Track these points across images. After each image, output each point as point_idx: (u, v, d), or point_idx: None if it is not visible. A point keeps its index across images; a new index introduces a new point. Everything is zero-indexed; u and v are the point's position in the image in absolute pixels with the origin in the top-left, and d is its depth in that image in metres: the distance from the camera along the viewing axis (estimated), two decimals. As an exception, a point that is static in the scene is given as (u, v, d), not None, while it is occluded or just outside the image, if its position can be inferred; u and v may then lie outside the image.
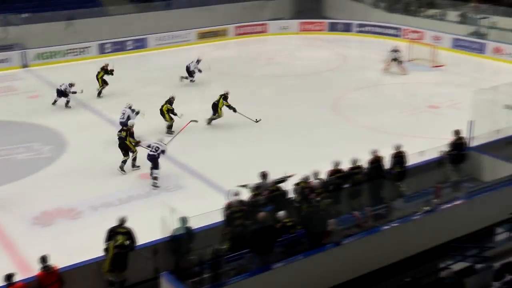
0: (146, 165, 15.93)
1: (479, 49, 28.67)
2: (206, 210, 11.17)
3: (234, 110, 19.58)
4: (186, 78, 24.32)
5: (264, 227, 10.39)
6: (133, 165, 16.62)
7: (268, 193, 12.16)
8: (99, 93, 23.48)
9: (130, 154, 16.52)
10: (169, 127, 19.27)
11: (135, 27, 32.13)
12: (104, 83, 23.51)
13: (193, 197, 14.68)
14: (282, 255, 10.59)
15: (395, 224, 11.80)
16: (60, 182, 15.88)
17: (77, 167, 16.82)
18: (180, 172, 16.38)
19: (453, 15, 32.61)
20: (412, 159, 13.86)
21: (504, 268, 9.83)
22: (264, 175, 12.74)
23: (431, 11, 34.04)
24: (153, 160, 15.61)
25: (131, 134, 16.63)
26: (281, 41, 33.16)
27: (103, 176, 16.15)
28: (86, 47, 30.09)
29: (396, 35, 32.56)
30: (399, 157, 13.67)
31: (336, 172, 12.88)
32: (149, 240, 11.12)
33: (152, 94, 23.19)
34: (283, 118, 20.61)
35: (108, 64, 23.87)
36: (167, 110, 19.23)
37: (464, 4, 33.41)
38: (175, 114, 19.13)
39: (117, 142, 16.61)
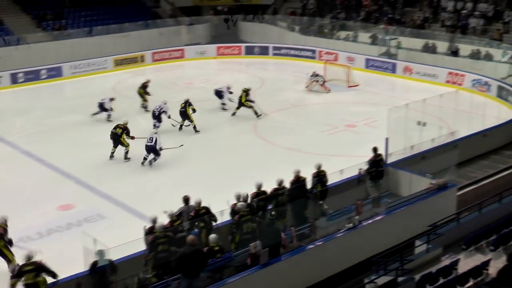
0: (136, 158, 17.95)
1: (391, 69, 29.77)
2: (129, 239, 10.94)
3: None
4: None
5: (192, 251, 10.27)
6: (125, 157, 18.65)
7: (193, 215, 12.08)
8: (145, 107, 24.10)
9: (123, 148, 18.51)
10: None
11: (49, 56, 31.32)
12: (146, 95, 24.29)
13: (115, 226, 14.36)
14: (208, 280, 10.49)
15: (319, 243, 11.95)
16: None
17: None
18: (101, 201, 16.00)
19: (365, 36, 33.74)
20: (332, 178, 14.12)
21: (424, 279, 10.12)
22: (186, 200, 12.67)
23: (344, 33, 35.09)
24: (152, 150, 17.86)
25: (127, 132, 18.55)
26: (199, 66, 33.21)
27: (20, 210, 15.51)
28: (-2, 77, 29.06)
29: (311, 57, 33.32)
30: (320, 176, 13.90)
31: (259, 195, 12.94)
32: (72, 274, 10.76)
33: (69, 123, 22.66)
34: (204, 142, 20.57)
35: (148, 80, 24.65)
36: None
37: (374, 26, 34.68)
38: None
39: (111, 135, 18.57)
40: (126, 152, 18.66)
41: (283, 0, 43.29)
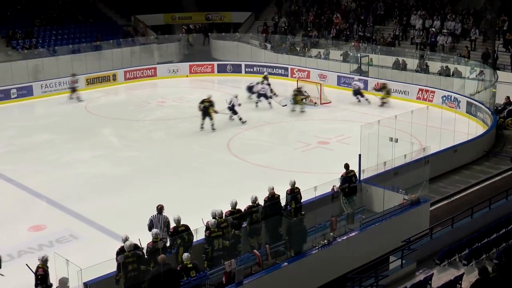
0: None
1: (363, 87, 30.00)
2: (103, 259, 10.81)
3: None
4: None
5: (164, 271, 10.17)
6: (212, 128, 23.12)
7: (173, 232, 12.01)
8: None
9: (209, 120, 22.94)
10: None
11: (19, 75, 30.97)
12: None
13: (89, 247, 14.17)
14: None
15: (294, 261, 11.94)
16: None
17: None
18: (74, 220, 15.77)
19: (336, 54, 34.09)
20: (306, 195, 14.15)
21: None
22: (160, 209, 12.70)
23: (315, 51, 35.43)
24: (231, 109, 23.83)
25: (212, 104, 22.90)
26: (171, 84, 33.15)
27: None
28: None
29: (284, 75, 33.54)
30: (294, 193, 13.92)
31: (233, 213, 12.90)
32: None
33: (39, 143, 22.46)
34: (177, 160, 20.50)
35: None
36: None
37: (345, 43, 35.09)
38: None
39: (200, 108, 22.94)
40: (212, 124, 23.02)
41: (255, 18, 43.65)
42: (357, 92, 27.70)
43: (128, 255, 11.02)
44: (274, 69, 34.13)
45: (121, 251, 11.17)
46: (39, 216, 16.08)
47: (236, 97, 24.66)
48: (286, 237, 12.75)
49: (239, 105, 24.77)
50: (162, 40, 39.03)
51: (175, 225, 12.27)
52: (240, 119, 24.38)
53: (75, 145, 22.21)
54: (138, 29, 40.90)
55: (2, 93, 29.38)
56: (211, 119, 23.30)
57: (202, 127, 23.34)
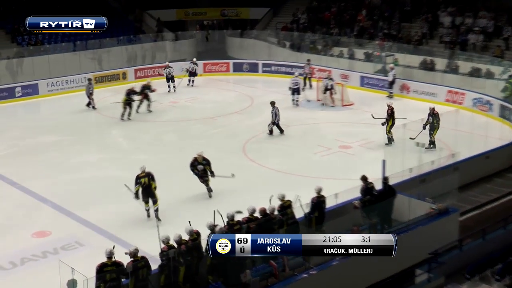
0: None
1: (387, 87, 29.86)
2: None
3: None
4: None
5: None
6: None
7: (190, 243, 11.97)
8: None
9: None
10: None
11: (24, 72, 31.23)
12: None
13: (95, 254, 14.15)
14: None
15: (313, 272, 11.87)
16: None
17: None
18: (80, 227, 15.86)
19: (359, 53, 33.97)
20: (328, 202, 14.06)
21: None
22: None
23: (337, 49, 35.32)
24: (297, 90, 27.20)
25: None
26: (184, 83, 33.24)
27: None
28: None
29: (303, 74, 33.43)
30: (319, 201, 13.79)
31: (251, 220, 12.85)
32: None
33: (45, 144, 22.58)
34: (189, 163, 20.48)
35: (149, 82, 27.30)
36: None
37: (369, 42, 34.95)
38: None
39: None
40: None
41: (273, 14, 43.63)
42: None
43: (107, 263, 11.10)
44: (293, 69, 34.04)
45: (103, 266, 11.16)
46: (44, 222, 16.16)
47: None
48: None
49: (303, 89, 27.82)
50: (175, 37, 39.12)
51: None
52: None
53: (82, 147, 22.31)
54: (150, 25, 41.03)
55: (6, 92, 29.63)
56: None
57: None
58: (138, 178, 15.88)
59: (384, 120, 21.56)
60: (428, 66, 30.57)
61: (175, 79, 31.53)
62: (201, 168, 17.37)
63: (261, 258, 12.46)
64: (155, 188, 15.90)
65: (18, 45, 34.30)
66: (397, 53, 32.28)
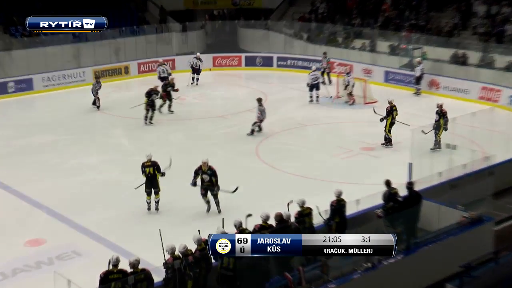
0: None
1: (414, 83, 29.76)
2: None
3: None
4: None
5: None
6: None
7: (198, 253, 11.96)
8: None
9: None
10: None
11: (17, 66, 31.39)
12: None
13: (93, 265, 14.20)
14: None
15: (332, 286, 11.84)
16: None
17: None
18: (77, 235, 15.90)
19: (383, 46, 33.86)
20: (347, 209, 14.02)
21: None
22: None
23: (359, 42, 35.24)
24: (316, 85, 27.38)
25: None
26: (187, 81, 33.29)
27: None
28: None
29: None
30: (340, 205, 13.75)
31: (263, 228, 12.82)
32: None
33: (40, 145, 22.69)
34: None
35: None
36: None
37: (394, 33, 34.81)
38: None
39: None
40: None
41: (289, 3, 43.60)
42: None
43: (112, 271, 11.16)
44: (310, 63, 33.99)
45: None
46: (38, 229, 16.21)
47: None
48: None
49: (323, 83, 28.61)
50: (182, 28, 39.16)
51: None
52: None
53: (80, 147, 22.38)
54: (155, 15, 41.14)
55: (-3, 87, 29.81)
56: None
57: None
58: (143, 166, 16.77)
59: (383, 117, 21.55)
60: (459, 60, 30.41)
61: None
62: (207, 178, 16.53)
63: (275, 270, 12.46)
64: (162, 174, 16.90)
65: (11, 36, 34.43)
66: (426, 46, 32.15)
